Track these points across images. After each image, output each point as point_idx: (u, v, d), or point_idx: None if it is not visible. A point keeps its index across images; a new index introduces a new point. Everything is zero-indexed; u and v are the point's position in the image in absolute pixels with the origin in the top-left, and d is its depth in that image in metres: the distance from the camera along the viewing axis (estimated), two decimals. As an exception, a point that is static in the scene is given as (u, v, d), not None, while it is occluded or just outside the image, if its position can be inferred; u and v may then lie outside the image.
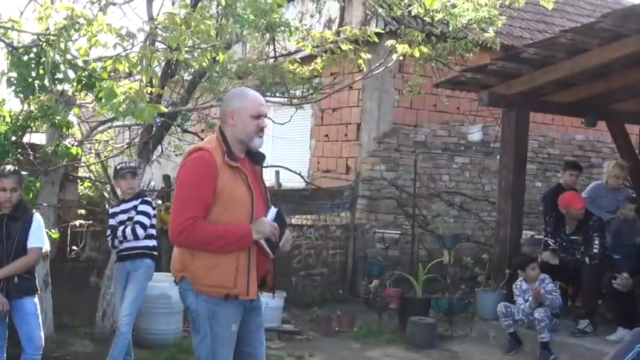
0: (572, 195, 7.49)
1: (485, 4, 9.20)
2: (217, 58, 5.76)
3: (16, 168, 5.25)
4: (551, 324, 6.89)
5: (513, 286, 7.24)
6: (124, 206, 5.99)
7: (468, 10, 9.21)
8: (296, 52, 8.63)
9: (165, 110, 4.96)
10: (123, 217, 5.92)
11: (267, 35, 7.85)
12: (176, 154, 9.49)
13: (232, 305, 3.54)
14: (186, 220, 3.41)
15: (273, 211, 3.65)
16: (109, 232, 6.00)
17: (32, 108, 5.99)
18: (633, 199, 7.63)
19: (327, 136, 11.38)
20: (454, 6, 9.29)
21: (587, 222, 7.31)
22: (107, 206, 7.95)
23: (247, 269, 3.52)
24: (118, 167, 6.03)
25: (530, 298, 6.98)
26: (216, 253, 3.46)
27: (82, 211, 7.72)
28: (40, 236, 5.00)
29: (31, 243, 4.94)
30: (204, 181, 3.46)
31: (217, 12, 7.09)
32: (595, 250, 7.18)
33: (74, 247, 7.29)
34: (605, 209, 7.91)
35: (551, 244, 7.50)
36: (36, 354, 5.00)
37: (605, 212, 7.83)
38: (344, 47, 7.21)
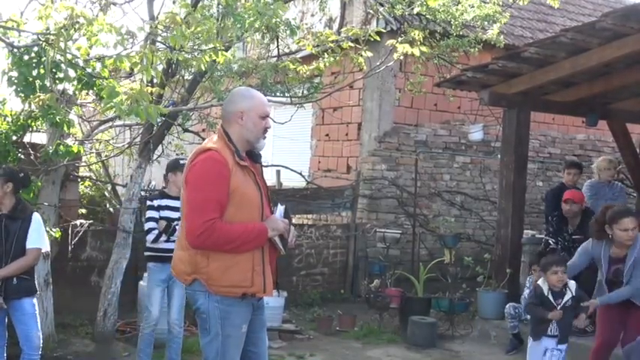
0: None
1: (490, 1, 9.21)
2: (217, 59, 5.75)
3: (4, 166, 5.25)
4: None
5: (527, 280, 7.19)
6: (169, 202, 5.76)
7: (472, 7, 9.23)
8: (297, 51, 8.63)
9: (166, 111, 4.95)
10: (172, 214, 5.66)
11: (268, 35, 7.85)
12: (177, 154, 9.52)
13: (245, 306, 3.54)
14: (204, 223, 3.36)
15: (280, 208, 3.66)
16: (152, 224, 5.76)
17: (33, 107, 5.99)
18: None
19: (327, 135, 11.38)
20: (458, 2, 9.30)
21: (588, 221, 7.29)
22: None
23: (262, 267, 3.53)
24: (177, 159, 5.91)
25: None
26: (232, 253, 3.44)
27: (83, 211, 7.73)
28: (39, 236, 4.99)
29: (30, 243, 4.92)
30: (218, 182, 3.42)
31: (218, 11, 7.09)
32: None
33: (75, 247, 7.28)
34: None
35: (552, 243, 7.49)
36: (34, 354, 4.99)
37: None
38: (344, 45, 7.20)
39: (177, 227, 5.63)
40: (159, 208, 5.83)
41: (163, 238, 5.76)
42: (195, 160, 3.51)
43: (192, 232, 3.41)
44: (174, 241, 5.59)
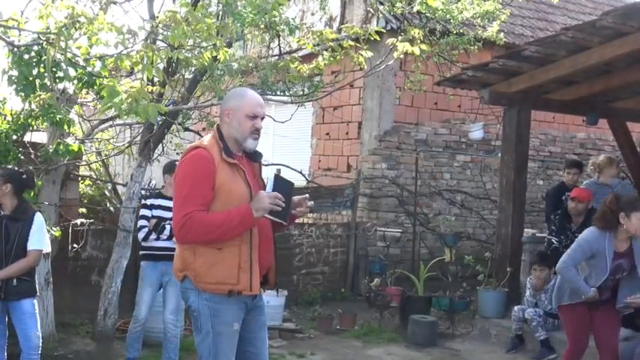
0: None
1: None
2: (218, 57, 5.75)
3: (3, 166, 5.25)
4: (547, 323, 6.87)
5: (527, 280, 7.19)
6: (162, 201, 5.84)
7: (472, 4, 9.23)
8: (297, 50, 8.63)
9: (166, 110, 4.95)
10: (164, 213, 5.73)
11: (268, 34, 7.84)
12: (177, 153, 9.53)
13: (235, 303, 3.52)
14: (183, 217, 3.40)
15: (270, 180, 3.51)
16: (144, 222, 5.85)
17: (33, 106, 5.99)
18: None
19: (328, 134, 11.38)
20: (457, 0, 9.30)
21: (590, 220, 7.29)
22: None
23: (249, 265, 3.51)
24: (173, 161, 5.98)
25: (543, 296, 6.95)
26: (219, 241, 3.43)
27: (84, 210, 7.73)
28: (40, 238, 4.97)
29: (32, 245, 4.91)
30: (201, 178, 3.45)
31: (218, 10, 7.09)
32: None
33: (74, 245, 7.27)
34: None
35: (555, 242, 7.47)
36: (33, 353, 4.98)
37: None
38: (345, 44, 7.20)
39: (166, 226, 5.71)
40: (151, 206, 5.91)
41: (153, 236, 5.82)
42: (183, 159, 3.57)
43: (175, 227, 3.48)
44: (165, 240, 5.66)
